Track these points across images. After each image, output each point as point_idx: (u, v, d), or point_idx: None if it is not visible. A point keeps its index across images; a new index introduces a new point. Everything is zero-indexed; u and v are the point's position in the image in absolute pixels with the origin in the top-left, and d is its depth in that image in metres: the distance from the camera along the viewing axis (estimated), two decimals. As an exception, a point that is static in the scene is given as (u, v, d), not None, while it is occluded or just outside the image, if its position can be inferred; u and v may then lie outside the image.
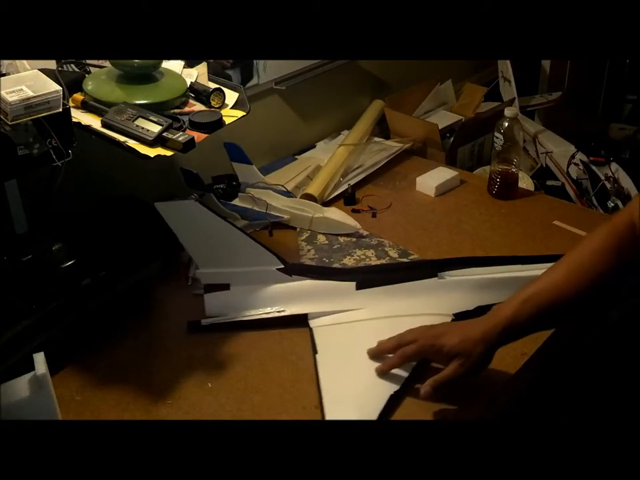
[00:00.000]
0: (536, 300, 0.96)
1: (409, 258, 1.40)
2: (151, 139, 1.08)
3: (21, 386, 0.88)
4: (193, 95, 1.24)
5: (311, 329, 1.21)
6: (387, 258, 1.40)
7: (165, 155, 1.08)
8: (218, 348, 1.19)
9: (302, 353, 1.18)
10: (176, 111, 1.18)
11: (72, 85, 1.15)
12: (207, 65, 1.33)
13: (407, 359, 1.04)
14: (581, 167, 1.95)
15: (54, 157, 0.99)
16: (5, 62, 1.06)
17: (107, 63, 1.23)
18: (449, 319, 1.21)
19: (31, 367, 0.89)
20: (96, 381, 1.12)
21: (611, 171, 1.89)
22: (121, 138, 1.08)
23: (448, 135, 1.91)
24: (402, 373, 1.09)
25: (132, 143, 1.08)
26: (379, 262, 1.39)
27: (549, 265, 1.27)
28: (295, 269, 1.26)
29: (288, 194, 1.57)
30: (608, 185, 1.87)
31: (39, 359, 0.90)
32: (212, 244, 1.21)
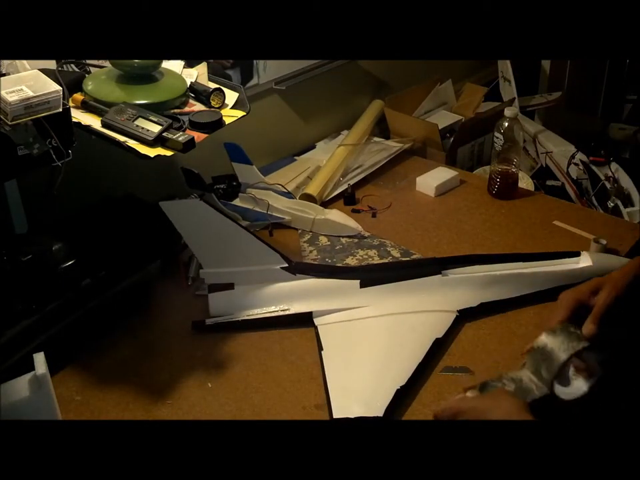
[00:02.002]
0: None
1: (411, 257, 1.40)
2: (151, 139, 1.08)
3: (21, 386, 0.88)
4: (193, 95, 1.24)
5: (315, 327, 1.21)
6: (390, 258, 1.40)
7: (165, 155, 1.08)
8: (218, 348, 1.19)
9: (302, 353, 1.18)
10: (176, 110, 1.18)
11: (72, 85, 1.15)
12: (207, 64, 1.33)
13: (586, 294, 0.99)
14: (581, 166, 1.95)
15: (54, 156, 0.99)
16: (5, 62, 1.06)
17: (106, 63, 1.23)
18: (453, 316, 1.21)
19: (31, 367, 0.89)
20: (96, 381, 1.12)
21: (611, 171, 1.89)
22: (121, 138, 1.08)
23: (448, 134, 1.91)
24: (408, 367, 1.10)
25: (132, 143, 1.08)
26: (381, 261, 1.39)
27: (551, 262, 1.28)
28: (299, 268, 1.26)
29: (288, 195, 1.57)
30: (608, 185, 1.87)
31: (39, 359, 0.90)
32: (216, 243, 1.21)
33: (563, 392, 0.91)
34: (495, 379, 0.94)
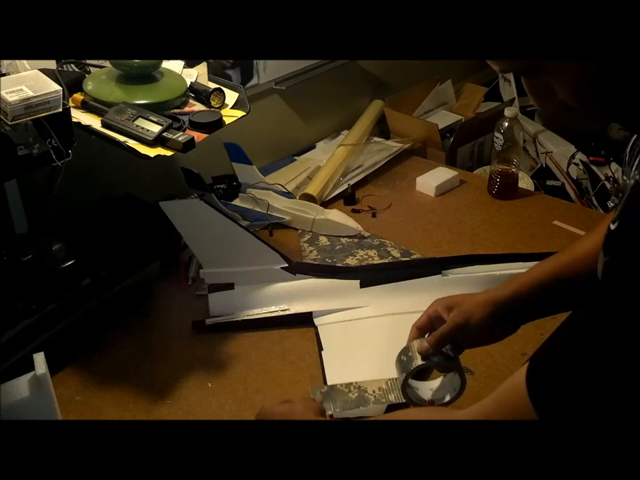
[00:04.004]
0: (538, 278, 0.97)
1: (411, 257, 1.40)
2: (151, 139, 1.08)
3: (21, 386, 0.88)
4: (193, 95, 1.24)
5: (315, 327, 1.21)
6: (390, 257, 1.40)
7: (165, 155, 1.08)
8: (218, 348, 1.19)
9: (302, 353, 1.18)
10: (176, 110, 1.18)
11: (72, 85, 1.15)
12: (207, 64, 1.33)
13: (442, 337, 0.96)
14: (581, 166, 1.95)
15: (54, 156, 0.99)
16: (5, 62, 1.06)
17: (106, 63, 1.23)
18: None
19: (31, 367, 0.89)
20: (96, 381, 1.12)
21: (611, 171, 1.89)
22: (121, 138, 1.08)
23: (448, 135, 1.91)
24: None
25: (132, 143, 1.08)
26: (381, 261, 1.39)
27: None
28: (299, 268, 1.26)
29: (288, 195, 1.57)
30: (608, 185, 1.87)
31: (39, 359, 0.90)
32: (216, 243, 1.22)
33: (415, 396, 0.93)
34: (343, 385, 0.96)
